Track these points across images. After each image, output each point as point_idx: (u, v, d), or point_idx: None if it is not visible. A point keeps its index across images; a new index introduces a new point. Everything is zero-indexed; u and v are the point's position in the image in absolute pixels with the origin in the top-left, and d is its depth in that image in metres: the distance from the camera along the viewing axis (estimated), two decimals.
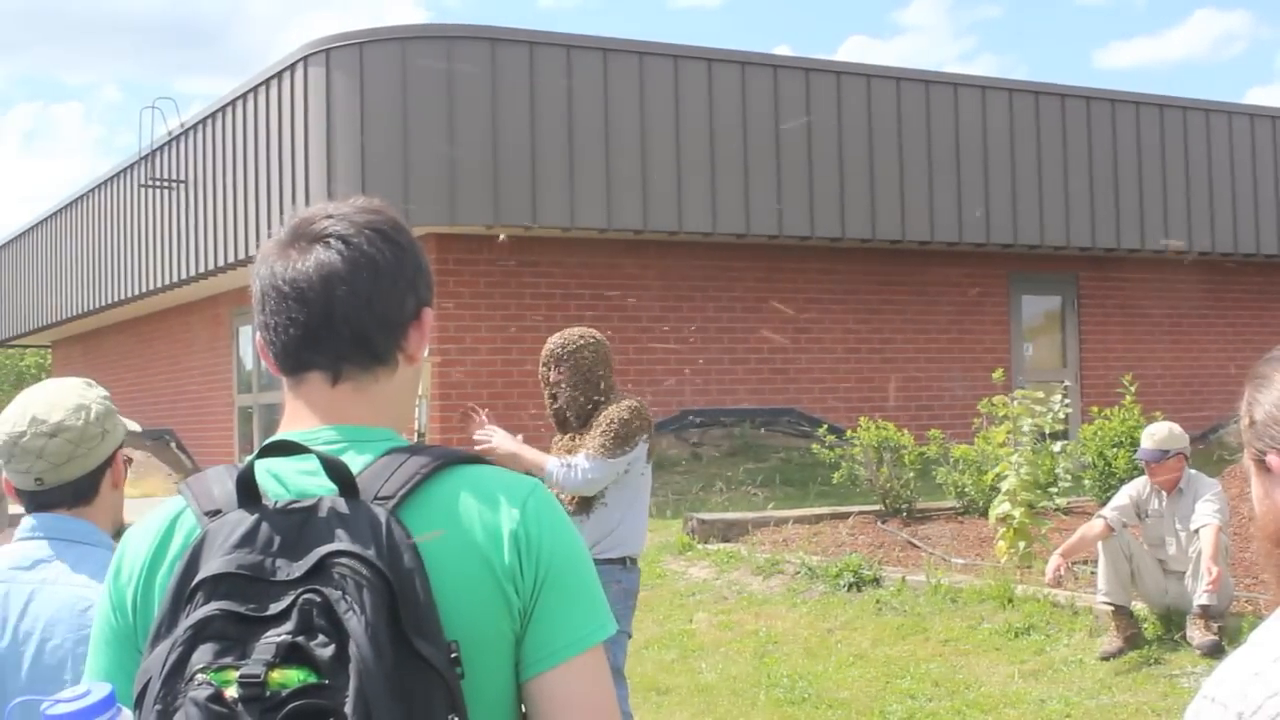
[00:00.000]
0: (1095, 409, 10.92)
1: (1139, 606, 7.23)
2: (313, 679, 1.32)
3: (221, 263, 14.76)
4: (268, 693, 1.31)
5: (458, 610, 1.44)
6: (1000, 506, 8.65)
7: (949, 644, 7.65)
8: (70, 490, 2.37)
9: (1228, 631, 6.80)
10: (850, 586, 8.73)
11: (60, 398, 2.39)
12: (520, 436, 5.42)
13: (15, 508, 2.56)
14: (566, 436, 5.26)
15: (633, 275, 13.83)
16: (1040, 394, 9.63)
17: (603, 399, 5.23)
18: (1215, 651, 6.61)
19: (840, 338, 14.88)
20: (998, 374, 10.60)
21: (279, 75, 13.42)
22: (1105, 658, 6.98)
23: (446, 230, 12.70)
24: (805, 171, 13.88)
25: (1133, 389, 10.30)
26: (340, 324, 1.57)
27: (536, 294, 13.36)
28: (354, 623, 1.34)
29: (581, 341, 5.26)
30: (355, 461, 1.51)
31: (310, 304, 1.56)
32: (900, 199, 14.36)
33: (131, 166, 17.33)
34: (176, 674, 1.34)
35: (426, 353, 1.70)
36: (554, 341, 5.31)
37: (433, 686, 1.37)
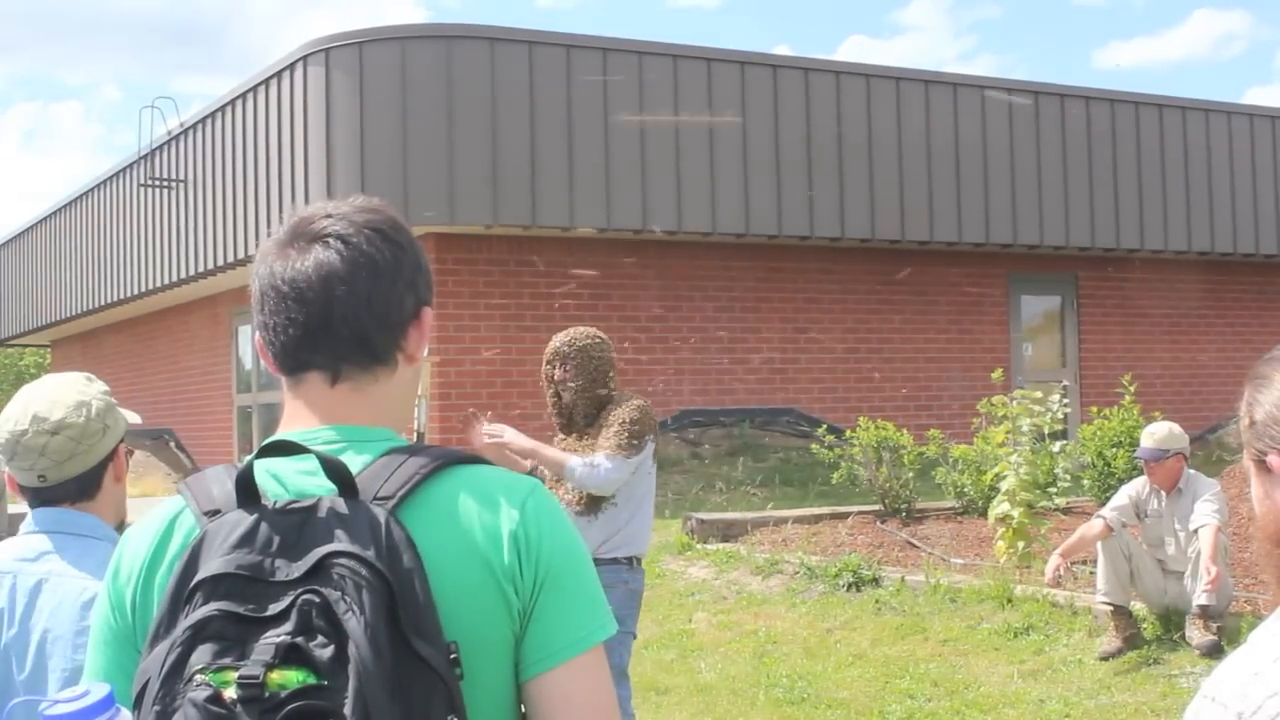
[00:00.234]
0: (1094, 409, 10.93)
1: (1138, 606, 7.23)
2: (312, 680, 1.32)
3: (221, 262, 14.76)
4: (267, 693, 1.30)
5: (457, 611, 1.44)
6: (999, 506, 8.65)
7: (948, 644, 7.65)
8: (73, 486, 2.39)
9: (1227, 631, 6.80)
10: (849, 586, 8.73)
11: (61, 394, 2.40)
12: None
13: (17, 507, 2.57)
14: (572, 436, 5.23)
15: (632, 275, 13.83)
16: (1039, 394, 9.63)
17: (608, 399, 5.23)
18: (1214, 651, 6.61)
19: (840, 338, 14.88)
20: (997, 374, 10.60)
21: (278, 75, 13.42)
22: (1104, 658, 6.98)
23: (446, 230, 12.70)
24: (804, 171, 13.88)
25: (1132, 389, 10.31)
26: (339, 324, 1.56)
27: (536, 294, 13.36)
28: (353, 623, 1.33)
29: (589, 341, 5.24)
30: (354, 462, 1.50)
31: (309, 304, 1.56)
32: (899, 199, 14.36)
33: (131, 166, 17.33)
34: (175, 674, 1.34)
35: (426, 352, 1.70)
36: (560, 339, 5.29)
37: (432, 687, 1.37)
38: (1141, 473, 7.40)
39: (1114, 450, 10.16)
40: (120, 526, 2.48)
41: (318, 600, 1.35)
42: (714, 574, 9.60)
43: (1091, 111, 15.57)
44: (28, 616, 2.29)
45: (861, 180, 14.18)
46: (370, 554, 1.38)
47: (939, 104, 14.67)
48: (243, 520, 1.43)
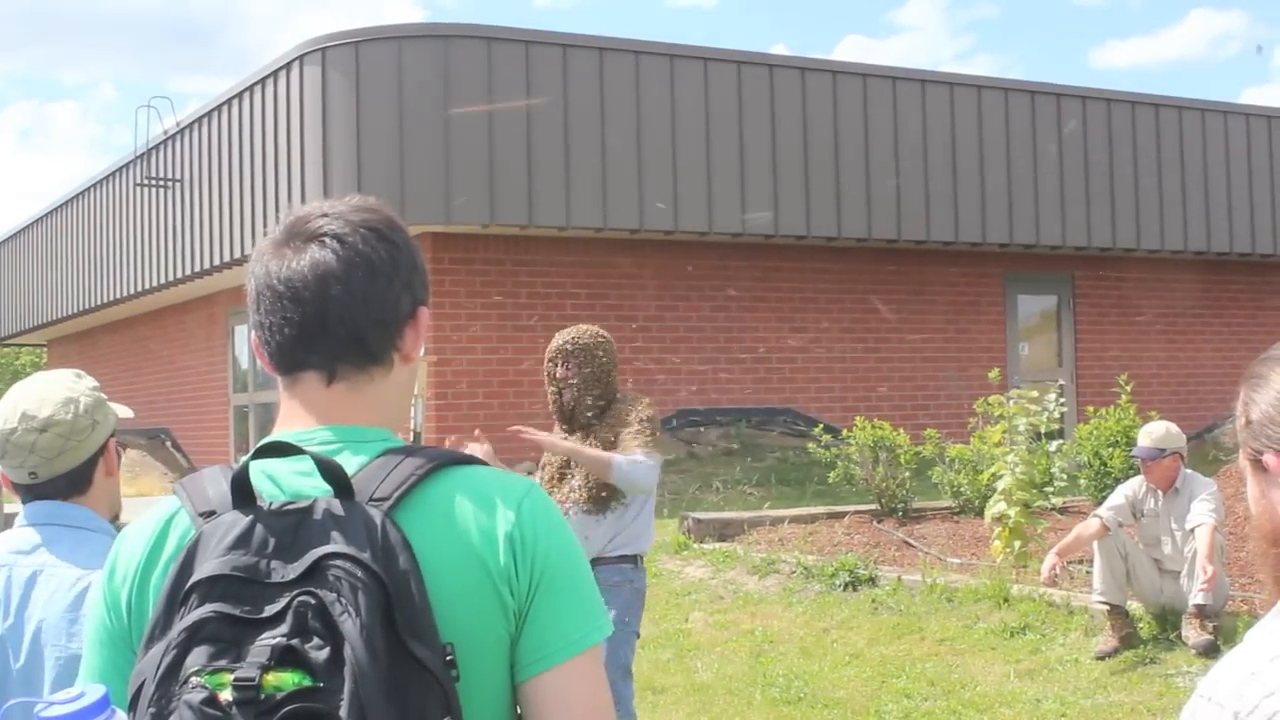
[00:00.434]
0: (1091, 408, 10.93)
1: (1134, 606, 7.24)
2: (307, 682, 1.31)
3: (217, 261, 14.75)
4: (262, 695, 1.30)
5: (453, 612, 1.44)
6: (996, 506, 8.65)
7: (944, 643, 7.65)
8: (64, 481, 2.41)
9: (1223, 631, 6.80)
10: (846, 586, 8.74)
11: (50, 392, 2.42)
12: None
13: (13, 506, 2.58)
14: (576, 435, 5.22)
15: (629, 274, 13.83)
16: (1036, 393, 9.64)
17: (611, 398, 5.22)
18: (1210, 651, 6.61)
19: (837, 337, 14.88)
20: (993, 373, 10.61)
21: (275, 74, 13.41)
22: (1100, 657, 6.98)
23: (442, 229, 12.69)
24: (801, 171, 13.88)
25: (1128, 388, 10.31)
26: (335, 324, 1.56)
27: (532, 293, 13.36)
28: (349, 625, 1.33)
29: (591, 339, 5.22)
30: (350, 462, 1.50)
31: (305, 303, 1.56)
32: (896, 199, 14.36)
33: (127, 165, 17.31)
34: (171, 676, 1.34)
35: (422, 352, 1.70)
36: (563, 337, 5.27)
37: (428, 689, 1.36)
38: (1138, 472, 7.40)
39: (1110, 450, 10.16)
40: (115, 519, 2.51)
41: (313, 602, 1.35)
42: (710, 573, 9.60)
43: (1088, 111, 15.57)
44: (23, 608, 2.31)
45: (858, 180, 14.18)
46: (366, 556, 1.38)
47: (935, 104, 14.67)
48: (238, 522, 1.42)
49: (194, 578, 1.39)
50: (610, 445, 5.10)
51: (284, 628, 1.34)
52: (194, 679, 1.32)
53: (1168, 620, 7.11)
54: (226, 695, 1.31)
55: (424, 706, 1.36)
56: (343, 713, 1.30)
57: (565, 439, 5.23)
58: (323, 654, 1.32)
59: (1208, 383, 16.82)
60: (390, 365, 1.61)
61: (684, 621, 8.73)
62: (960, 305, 15.61)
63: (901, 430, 10.82)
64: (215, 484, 1.50)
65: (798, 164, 13.88)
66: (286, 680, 1.31)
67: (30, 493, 2.42)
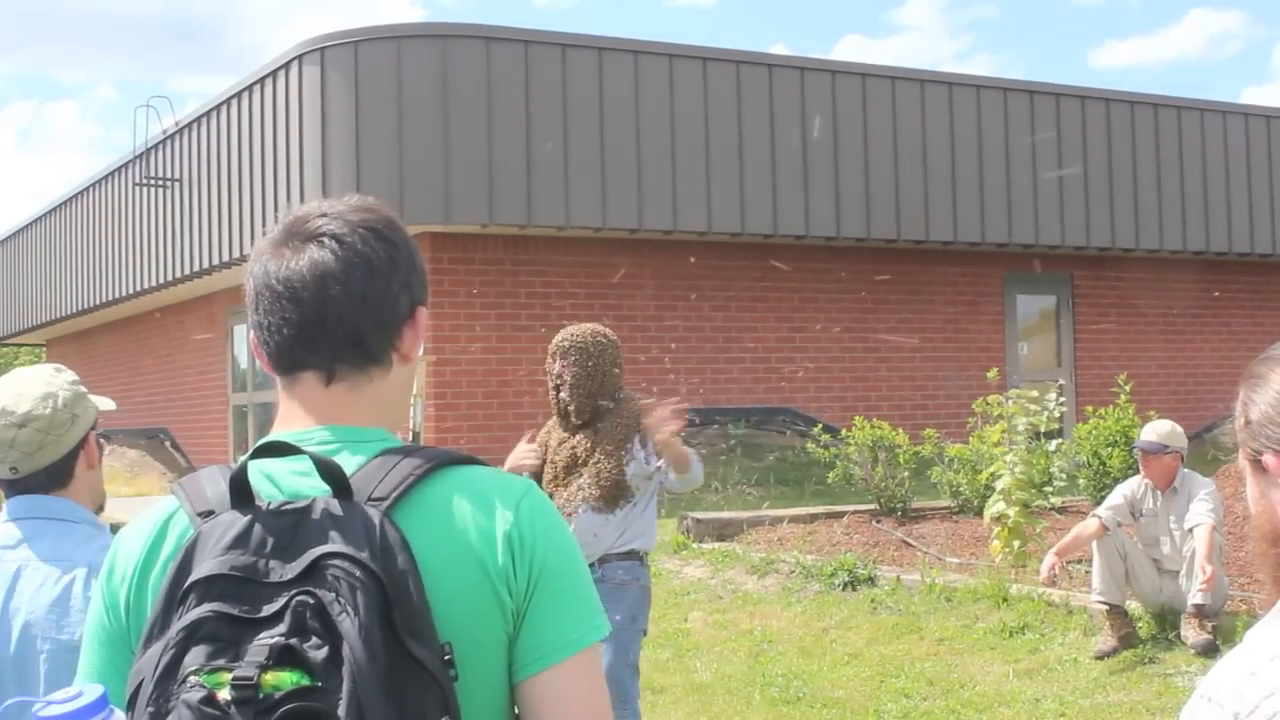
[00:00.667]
0: (1090, 408, 10.93)
1: (1133, 606, 7.24)
2: (306, 681, 1.31)
3: (216, 261, 14.75)
4: (261, 695, 1.30)
5: (451, 612, 1.44)
6: (995, 505, 8.65)
7: (944, 643, 7.65)
8: (45, 476, 2.42)
9: (1222, 631, 6.80)
10: (845, 586, 8.74)
11: (28, 387, 2.43)
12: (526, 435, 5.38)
13: None
14: (579, 436, 5.21)
15: (628, 274, 13.83)
16: (1035, 393, 9.64)
17: (612, 399, 5.20)
18: (1209, 651, 6.62)
19: (836, 337, 14.88)
20: (992, 373, 10.61)
21: (274, 74, 13.41)
22: (1100, 657, 6.98)
23: (441, 229, 12.69)
24: (800, 171, 13.88)
25: (1127, 388, 10.31)
26: (334, 324, 1.56)
27: (531, 293, 13.36)
28: (347, 625, 1.33)
29: (591, 337, 5.21)
30: (349, 462, 1.50)
31: (304, 304, 1.56)
32: (895, 198, 14.36)
33: (126, 165, 17.30)
34: (169, 676, 1.34)
35: (421, 352, 1.70)
36: (563, 334, 5.28)
37: (426, 688, 1.36)
38: (1137, 471, 7.40)
39: (1109, 449, 10.16)
40: (99, 511, 2.53)
41: (312, 601, 1.35)
42: (710, 573, 9.60)
43: (1087, 111, 15.58)
44: (8, 601, 2.32)
45: (857, 179, 14.18)
46: (364, 555, 1.38)
47: (934, 103, 14.67)
48: (237, 521, 1.42)
49: (192, 577, 1.39)
50: (622, 443, 5.11)
51: (282, 627, 1.34)
52: (192, 678, 1.32)
53: (1167, 620, 7.11)
54: (225, 694, 1.31)
55: (422, 706, 1.36)
56: (341, 712, 1.30)
57: (567, 440, 5.23)
58: (321, 653, 1.32)
59: (1207, 383, 16.81)
60: (389, 365, 1.61)
61: (683, 621, 8.73)
62: (959, 305, 15.61)
63: (901, 430, 10.82)
64: (214, 484, 1.50)
65: (796, 164, 13.87)
66: (285, 679, 1.31)
67: (12, 488, 2.44)
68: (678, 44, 13.62)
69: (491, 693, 1.49)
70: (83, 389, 2.51)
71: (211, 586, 1.37)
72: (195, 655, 1.34)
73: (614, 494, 5.08)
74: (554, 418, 5.35)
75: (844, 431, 10.97)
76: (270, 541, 1.40)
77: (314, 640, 1.33)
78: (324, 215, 1.61)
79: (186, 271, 15.53)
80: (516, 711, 1.52)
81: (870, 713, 6.73)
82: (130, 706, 1.37)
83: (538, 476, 5.21)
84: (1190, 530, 6.86)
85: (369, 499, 1.45)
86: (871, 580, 8.74)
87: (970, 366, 14.90)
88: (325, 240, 1.58)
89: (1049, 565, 7.09)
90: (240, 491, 1.45)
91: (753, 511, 11.03)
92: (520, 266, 13.35)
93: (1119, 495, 7.32)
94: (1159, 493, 7.18)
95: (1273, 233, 16.76)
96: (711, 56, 13.68)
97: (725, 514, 10.93)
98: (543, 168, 12.71)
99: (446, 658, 1.39)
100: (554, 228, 12.97)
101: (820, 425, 11.75)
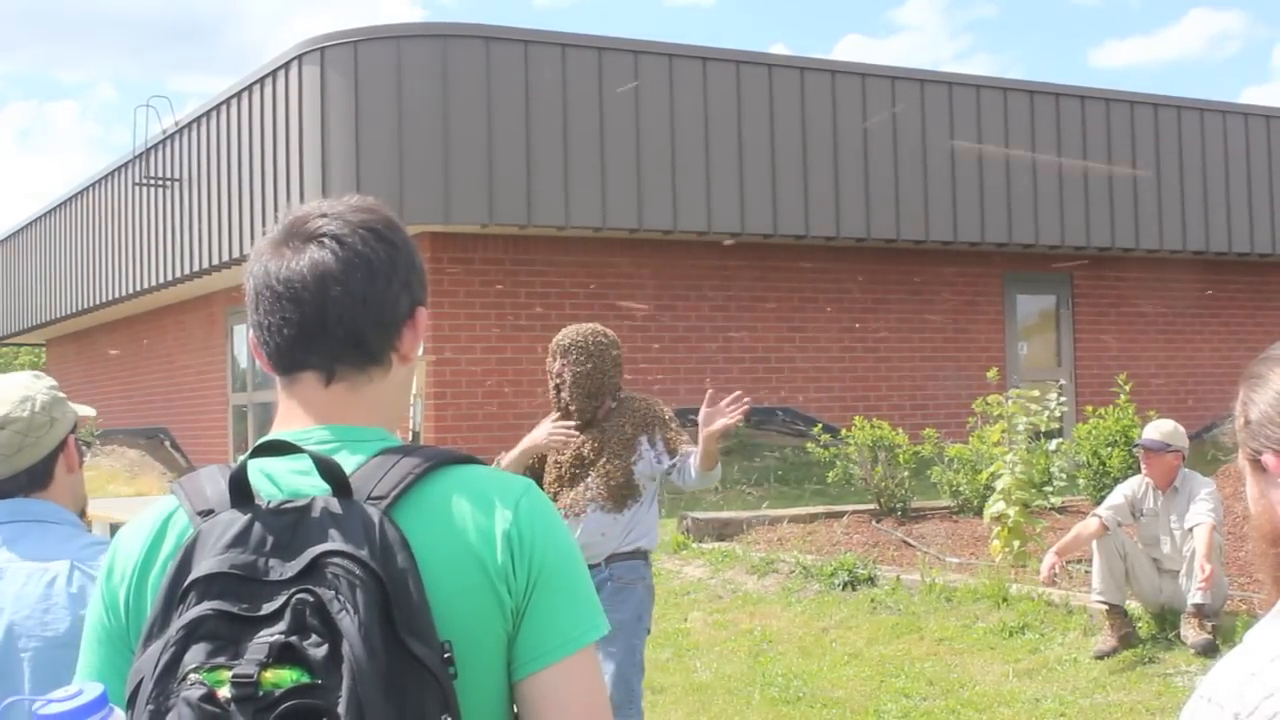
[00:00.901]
0: (1090, 408, 10.93)
1: (1133, 605, 7.24)
2: (306, 679, 1.32)
3: (216, 261, 14.75)
4: (261, 693, 1.30)
5: (451, 610, 1.44)
6: (995, 505, 8.66)
7: (943, 643, 7.65)
8: (25, 478, 2.44)
9: (1222, 630, 6.80)
10: (845, 585, 8.74)
11: (6, 392, 2.45)
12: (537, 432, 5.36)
13: None
14: (583, 437, 5.19)
15: (627, 274, 13.83)
16: (1035, 393, 9.64)
17: (614, 399, 5.21)
18: (1209, 650, 6.62)
19: (835, 337, 14.88)
20: (992, 373, 10.62)
21: (274, 73, 13.41)
22: (1100, 657, 6.98)
23: (441, 229, 12.69)
24: (800, 171, 13.88)
25: (1127, 388, 10.31)
26: (335, 324, 1.56)
27: (531, 293, 13.36)
28: (347, 622, 1.33)
29: (592, 337, 5.21)
30: (348, 461, 1.50)
31: (304, 304, 1.56)
32: (895, 198, 14.36)
33: (126, 165, 17.30)
34: (169, 674, 1.34)
35: (420, 351, 1.70)
36: (564, 332, 5.28)
37: (426, 686, 1.37)
38: (1137, 471, 7.40)
39: (1109, 449, 10.16)
40: (82, 514, 2.55)
41: (311, 599, 1.35)
42: (709, 573, 9.61)
43: (1087, 111, 15.58)
44: None
45: (857, 179, 14.18)
46: (364, 553, 1.38)
47: (934, 104, 14.67)
48: (236, 520, 1.43)
49: (192, 575, 1.39)
50: (630, 444, 5.12)
51: (282, 625, 1.34)
52: (192, 676, 1.32)
53: (1166, 620, 7.11)
54: (225, 692, 1.31)
55: (422, 704, 1.36)
56: (341, 710, 1.31)
57: (570, 438, 5.22)
58: (321, 651, 1.32)
59: (1206, 382, 16.82)
60: (389, 365, 1.62)
61: (683, 621, 8.73)
62: (959, 305, 15.61)
63: (900, 430, 10.82)
64: (213, 483, 1.50)
65: (796, 163, 13.88)
66: (285, 677, 1.31)
67: None
68: (678, 44, 13.61)
69: (491, 691, 1.49)
70: (61, 394, 2.53)
71: (211, 585, 1.38)
72: (195, 653, 1.34)
73: (622, 494, 5.09)
74: (552, 416, 5.35)
75: (844, 431, 10.97)
76: (270, 540, 1.41)
77: (314, 638, 1.33)
78: (324, 215, 1.61)
79: (186, 271, 15.53)
80: (515, 710, 1.52)
81: (870, 713, 6.73)
82: (130, 705, 1.38)
83: (537, 477, 5.20)
84: (1190, 530, 6.87)
85: (368, 498, 1.45)
86: (871, 580, 8.75)
87: (970, 366, 14.91)
88: (326, 241, 1.58)
89: (1049, 565, 7.09)
90: (240, 490, 1.45)
91: (752, 511, 11.03)
92: (520, 266, 13.35)
93: (1119, 495, 7.32)
94: (1159, 492, 7.18)
95: (1272, 233, 16.76)
96: (711, 56, 13.68)
97: (725, 514, 10.93)
98: (543, 168, 12.71)
99: (446, 656, 1.40)
100: (554, 228, 12.97)
101: (820, 425, 11.75)
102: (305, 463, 1.47)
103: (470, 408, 12.95)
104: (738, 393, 5.23)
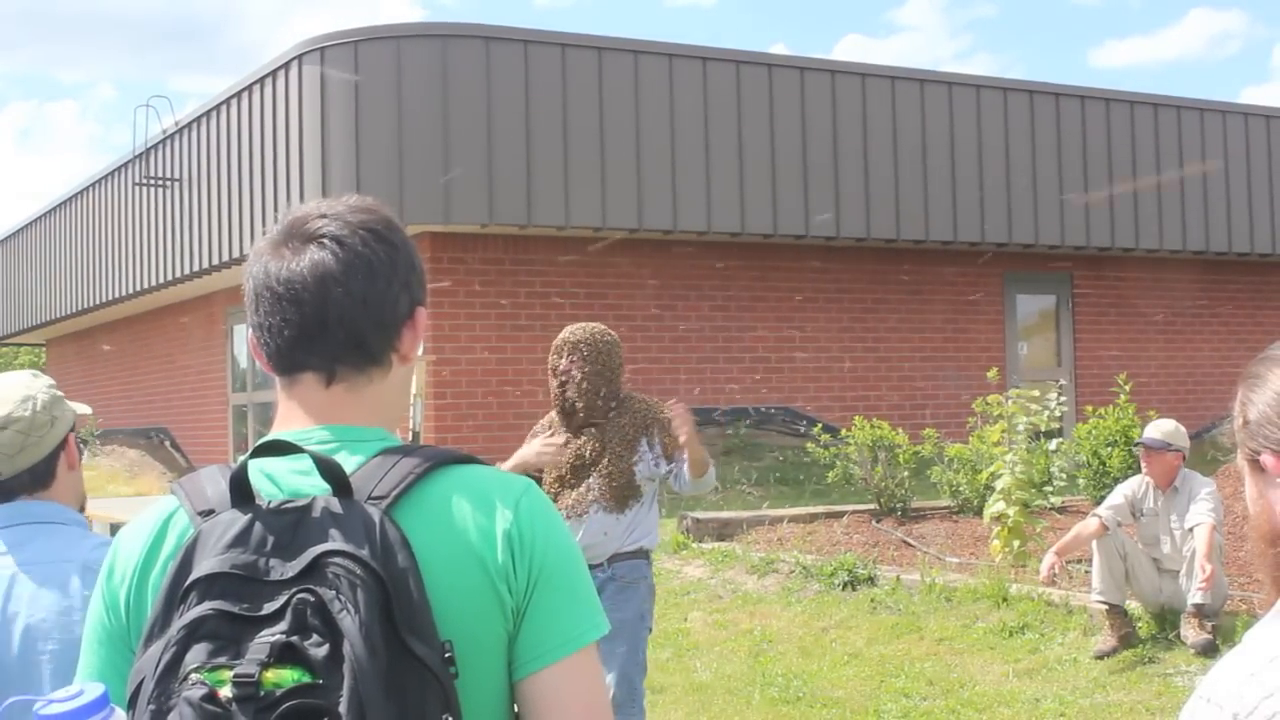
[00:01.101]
0: (1090, 408, 10.93)
1: (1133, 605, 7.24)
2: (307, 678, 1.32)
3: (216, 261, 14.75)
4: (262, 692, 1.31)
5: (451, 610, 1.44)
6: (995, 505, 8.66)
7: (943, 643, 7.65)
8: (27, 478, 2.45)
9: (1221, 630, 6.81)
10: (845, 585, 8.74)
11: (7, 392, 2.46)
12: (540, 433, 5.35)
13: None
14: (585, 437, 5.20)
15: (627, 274, 13.83)
16: (1035, 393, 9.64)
17: (616, 399, 5.21)
18: (1209, 650, 6.62)
19: (835, 337, 14.88)
20: (992, 373, 10.61)
21: (274, 73, 13.41)
22: (1100, 656, 6.98)
23: (440, 229, 12.69)
24: (800, 171, 13.88)
25: (1127, 388, 10.31)
26: (335, 325, 1.56)
27: (531, 293, 13.36)
28: (348, 622, 1.34)
29: (597, 335, 5.21)
30: (348, 461, 1.51)
31: (304, 305, 1.56)
32: (895, 198, 14.36)
33: (126, 165, 17.30)
34: (170, 674, 1.34)
35: (420, 351, 1.70)
36: (568, 330, 5.27)
37: (427, 686, 1.37)
38: (1137, 471, 7.40)
39: (1109, 449, 10.16)
40: (81, 510, 2.56)
41: (312, 599, 1.35)
42: (709, 573, 9.60)
43: (1087, 111, 15.57)
44: (5, 605, 2.33)
45: (857, 179, 14.18)
46: (365, 553, 1.38)
47: (934, 103, 14.67)
48: (237, 520, 1.43)
49: (193, 575, 1.39)
50: (631, 444, 5.12)
51: (283, 625, 1.34)
52: (193, 676, 1.32)
53: (1166, 619, 7.11)
54: (226, 692, 1.31)
55: (423, 703, 1.36)
56: (342, 709, 1.31)
57: (570, 441, 5.21)
58: (322, 651, 1.33)
59: (1206, 382, 16.82)
60: (389, 366, 1.62)
61: (683, 621, 8.73)
62: (959, 305, 15.61)
63: (900, 430, 10.82)
64: (214, 483, 1.50)
65: (796, 163, 13.87)
66: (286, 677, 1.31)
67: None
68: (678, 44, 13.61)
69: (491, 691, 1.49)
70: (59, 393, 2.54)
71: (212, 585, 1.38)
72: (196, 653, 1.34)
73: (625, 494, 5.10)
74: (551, 415, 5.34)
75: (844, 431, 10.97)
76: (270, 540, 1.41)
77: (315, 638, 1.33)
78: (324, 216, 1.61)
79: (186, 271, 15.53)
80: (516, 709, 1.52)
81: (870, 713, 6.74)
82: (131, 705, 1.38)
83: (537, 477, 5.20)
84: (1190, 530, 6.87)
85: (369, 498, 1.46)
86: (871, 580, 8.75)
87: (970, 366, 14.91)
88: (325, 241, 1.58)
89: (1049, 565, 7.09)
90: (240, 490, 1.45)
91: (752, 511, 11.02)
92: (520, 266, 13.35)
93: (1119, 495, 7.32)
94: (1159, 492, 7.18)
95: (1272, 233, 16.76)
96: (711, 56, 13.67)
97: (725, 514, 10.93)
98: (542, 168, 12.70)
99: (447, 655, 1.40)
100: (554, 228, 12.97)
101: (820, 425, 11.75)
102: (306, 463, 1.47)
103: (470, 408, 12.95)
104: (672, 400, 5.21)
